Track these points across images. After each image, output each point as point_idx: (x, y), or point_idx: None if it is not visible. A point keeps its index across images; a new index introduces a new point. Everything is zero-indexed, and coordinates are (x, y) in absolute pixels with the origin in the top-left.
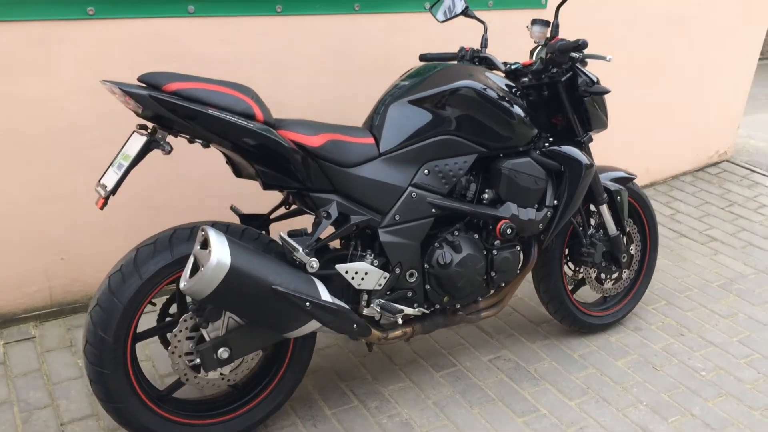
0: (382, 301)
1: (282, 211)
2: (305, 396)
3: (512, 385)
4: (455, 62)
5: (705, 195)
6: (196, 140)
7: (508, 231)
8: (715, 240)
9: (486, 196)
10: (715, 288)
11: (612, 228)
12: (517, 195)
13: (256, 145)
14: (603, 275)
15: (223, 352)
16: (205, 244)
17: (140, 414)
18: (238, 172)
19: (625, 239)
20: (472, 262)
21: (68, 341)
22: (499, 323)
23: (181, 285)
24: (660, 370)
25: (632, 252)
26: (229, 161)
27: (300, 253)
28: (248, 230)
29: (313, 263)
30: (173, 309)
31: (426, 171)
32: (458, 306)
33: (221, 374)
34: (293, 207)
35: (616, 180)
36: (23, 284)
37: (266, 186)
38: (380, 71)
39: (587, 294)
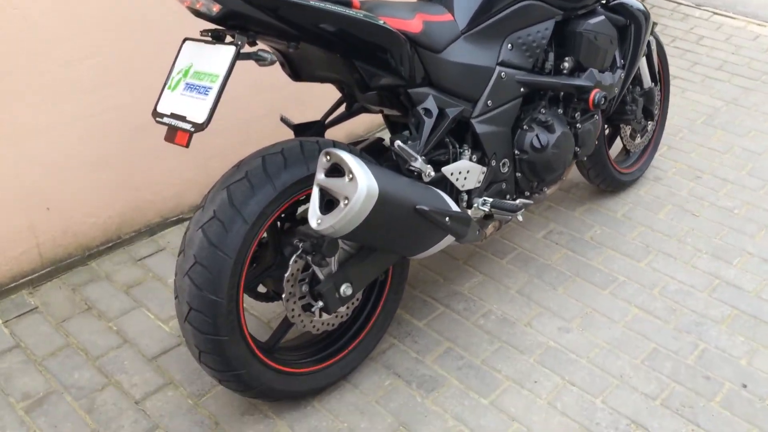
0: (490, 199)
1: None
2: None
3: (579, 258)
4: None
5: None
6: (276, 41)
7: (602, 101)
8: (676, 77)
9: (566, 65)
10: (700, 125)
11: (648, 81)
12: (597, 59)
13: (364, 39)
14: (635, 130)
15: (346, 289)
16: (334, 171)
17: (262, 376)
18: (298, 75)
19: None
20: (565, 141)
21: (82, 304)
22: None
23: (315, 224)
24: (699, 215)
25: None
26: (287, 61)
27: (419, 161)
28: (338, 144)
29: (430, 171)
30: None
31: (509, 45)
32: (544, 189)
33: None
34: (350, 107)
35: None
36: (6, 247)
37: (366, 88)
38: None
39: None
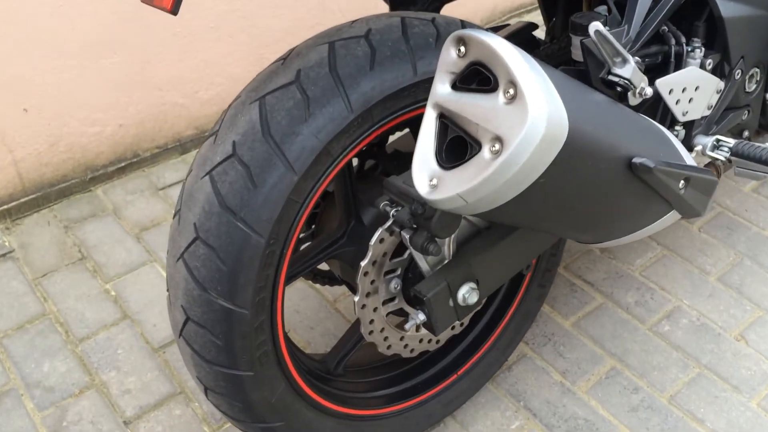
0: (731, 140)
1: None
2: None
3: None
4: None
5: None
6: None
7: None
8: None
9: None
10: None
11: None
12: None
13: None
14: None
15: (468, 294)
16: (471, 78)
17: (314, 427)
18: None
19: None
20: None
21: (74, 251)
22: None
23: (425, 189)
24: None
25: None
26: None
27: (630, 65)
28: (468, 27)
29: (645, 86)
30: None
31: None
32: None
33: None
34: None
35: None
36: None
37: None
38: None
39: None
